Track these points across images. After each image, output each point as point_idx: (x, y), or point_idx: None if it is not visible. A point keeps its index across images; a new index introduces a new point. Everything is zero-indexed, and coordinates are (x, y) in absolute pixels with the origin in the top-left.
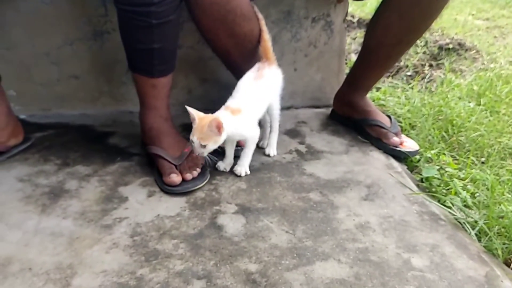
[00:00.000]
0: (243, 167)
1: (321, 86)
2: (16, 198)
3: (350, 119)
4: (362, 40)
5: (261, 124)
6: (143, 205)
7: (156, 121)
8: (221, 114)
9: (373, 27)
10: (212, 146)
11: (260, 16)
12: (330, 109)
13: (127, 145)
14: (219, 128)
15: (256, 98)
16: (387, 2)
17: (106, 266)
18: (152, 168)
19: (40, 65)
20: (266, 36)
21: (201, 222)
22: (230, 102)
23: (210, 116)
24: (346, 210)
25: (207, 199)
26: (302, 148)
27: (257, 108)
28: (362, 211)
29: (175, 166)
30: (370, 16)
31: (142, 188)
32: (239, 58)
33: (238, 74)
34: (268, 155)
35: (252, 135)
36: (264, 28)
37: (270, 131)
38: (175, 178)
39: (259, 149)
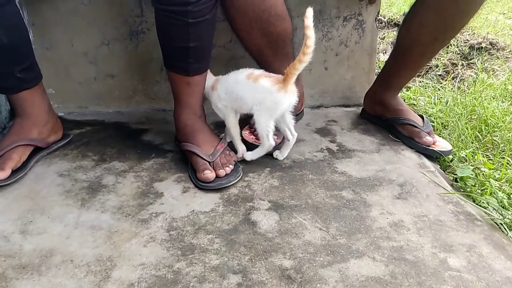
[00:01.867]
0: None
1: (352, 85)
2: (57, 192)
3: (381, 118)
4: (390, 39)
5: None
6: (178, 200)
7: (190, 119)
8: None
9: (408, 25)
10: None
11: (310, 42)
12: (361, 108)
13: (161, 142)
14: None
15: (234, 92)
16: (422, 0)
17: (144, 259)
18: (186, 165)
19: (78, 64)
20: (299, 65)
21: (235, 218)
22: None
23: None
24: (379, 208)
25: (241, 196)
26: (333, 147)
27: (232, 99)
28: (396, 209)
29: (209, 162)
30: (397, 16)
31: (176, 184)
32: (272, 57)
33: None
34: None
35: (222, 115)
36: (302, 57)
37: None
38: (209, 174)
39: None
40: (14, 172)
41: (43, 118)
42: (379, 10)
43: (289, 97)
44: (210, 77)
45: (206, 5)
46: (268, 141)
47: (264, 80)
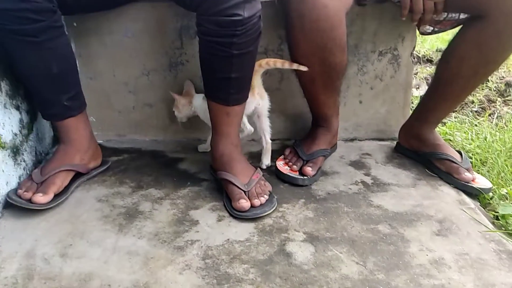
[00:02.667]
0: (203, 146)
1: (386, 119)
2: (95, 217)
3: (418, 153)
4: (423, 75)
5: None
6: (213, 228)
7: (227, 148)
8: (196, 96)
9: (448, 58)
10: (182, 115)
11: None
12: (395, 142)
13: (196, 170)
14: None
15: None
16: (463, 34)
17: (179, 287)
18: (221, 193)
19: (118, 93)
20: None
21: (270, 248)
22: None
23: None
24: (418, 244)
25: (275, 226)
26: (368, 180)
27: None
28: (435, 246)
29: (244, 192)
30: (430, 52)
31: (212, 212)
32: (322, 88)
33: (315, 104)
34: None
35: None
36: (266, 63)
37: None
38: (245, 203)
39: (326, 179)
40: (56, 196)
41: (85, 145)
42: (415, 45)
43: (255, 99)
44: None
45: (251, 37)
46: (246, 128)
47: (257, 88)
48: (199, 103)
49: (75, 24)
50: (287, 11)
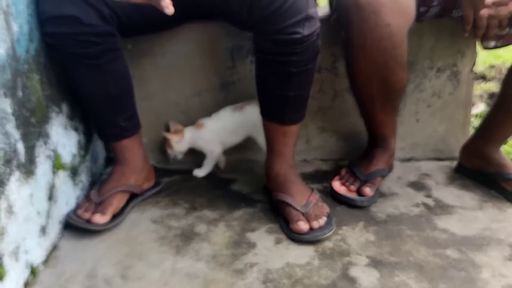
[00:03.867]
0: (199, 172)
1: (445, 137)
2: (152, 238)
3: (482, 173)
4: (477, 92)
5: None
6: (272, 251)
7: (283, 168)
8: (186, 129)
9: None
10: (176, 152)
11: None
12: (455, 162)
13: (249, 191)
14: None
15: (224, 126)
16: None
17: None
18: (276, 215)
19: (170, 114)
20: None
21: (332, 272)
22: (202, 119)
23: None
24: (490, 270)
25: (336, 249)
26: (430, 202)
27: (223, 134)
28: (509, 272)
29: (302, 213)
30: (483, 69)
31: (269, 235)
32: (380, 107)
33: (373, 123)
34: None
35: (210, 149)
36: None
37: None
38: (303, 225)
39: (385, 201)
40: (114, 217)
41: (139, 166)
42: (475, 61)
43: None
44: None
45: (309, 55)
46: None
47: (249, 106)
48: (194, 135)
49: (129, 47)
50: (346, 30)
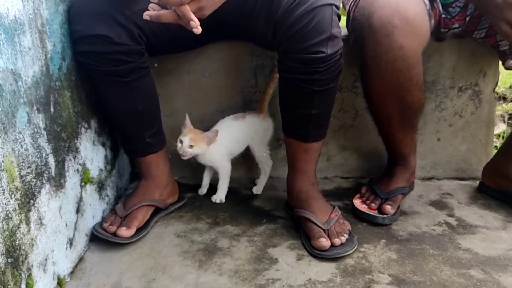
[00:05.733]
0: (218, 196)
1: (467, 157)
2: (175, 252)
3: (505, 193)
4: (498, 112)
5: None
6: (294, 267)
7: (305, 185)
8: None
9: None
10: (197, 150)
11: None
12: (477, 181)
13: (271, 208)
14: (213, 139)
15: (230, 135)
16: None
17: None
18: (298, 231)
19: None
20: (270, 91)
21: None
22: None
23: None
24: None
25: (358, 267)
26: (452, 221)
27: (229, 143)
28: None
29: (324, 230)
30: (503, 89)
31: (290, 251)
32: (398, 126)
33: (392, 142)
34: (253, 193)
35: (221, 165)
36: (272, 84)
37: (260, 173)
38: (325, 242)
39: (406, 219)
40: (138, 230)
41: (164, 181)
42: (498, 81)
43: (269, 121)
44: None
45: (332, 74)
46: (268, 166)
47: (250, 116)
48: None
49: (156, 65)
50: (361, 52)
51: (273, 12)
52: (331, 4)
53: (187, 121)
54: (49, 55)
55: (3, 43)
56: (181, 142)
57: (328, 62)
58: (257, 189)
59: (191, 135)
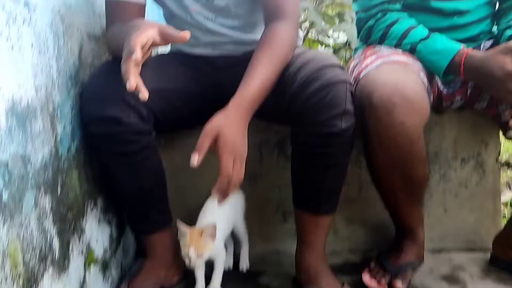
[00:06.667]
0: (214, 284)
1: (475, 228)
2: None
3: None
4: (504, 179)
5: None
6: None
7: (314, 260)
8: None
9: None
10: (208, 253)
11: None
12: (488, 252)
13: (278, 284)
14: (215, 233)
15: (221, 219)
16: None
17: None
18: None
19: (200, 207)
20: None
21: None
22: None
23: (198, 227)
24: None
25: None
26: None
27: (222, 229)
28: None
29: None
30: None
31: None
32: (404, 201)
33: (398, 216)
34: (242, 271)
35: (219, 253)
36: None
37: (241, 247)
38: None
39: None
40: None
41: (170, 260)
42: (500, 151)
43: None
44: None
45: (345, 148)
46: (247, 236)
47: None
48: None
49: (163, 142)
50: (364, 129)
51: (290, 85)
52: (345, 82)
53: (181, 228)
54: (58, 138)
55: (15, 129)
56: (189, 256)
57: (341, 136)
58: (245, 263)
59: (194, 244)
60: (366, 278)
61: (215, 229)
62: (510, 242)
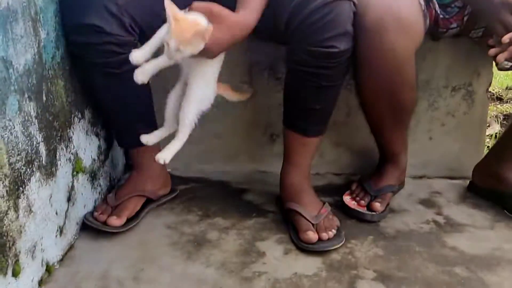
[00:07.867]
0: (163, 156)
1: (459, 156)
2: (165, 243)
3: (495, 192)
4: (493, 113)
5: None
6: (280, 261)
7: (298, 179)
8: None
9: None
10: (188, 53)
11: None
12: (468, 181)
13: (262, 202)
14: (207, 37)
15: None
16: None
17: None
18: (287, 226)
19: None
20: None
21: (339, 285)
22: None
23: (193, 19)
24: None
25: (344, 262)
26: (440, 219)
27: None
28: None
29: (312, 224)
30: (499, 90)
31: (278, 245)
32: (389, 125)
33: (383, 141)
34: (158, 161)
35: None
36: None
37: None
38: (312, 235)
39: (394, 217)
40: (129, 220)
41: (156, 172)
42: (491, 82)
43: None
44: None
45: (341, 70)
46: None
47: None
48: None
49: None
50: (354, 51)
51: (289, 1)
52: (349, 0)
53: (172, 10)
54: (42, 44)
55: None
56: (167, 44)
57: (339, 58)
58: (166, 155)
59: (178, 36)
60: (347, 198)
61: (209, 34)
62: (489, 170)
